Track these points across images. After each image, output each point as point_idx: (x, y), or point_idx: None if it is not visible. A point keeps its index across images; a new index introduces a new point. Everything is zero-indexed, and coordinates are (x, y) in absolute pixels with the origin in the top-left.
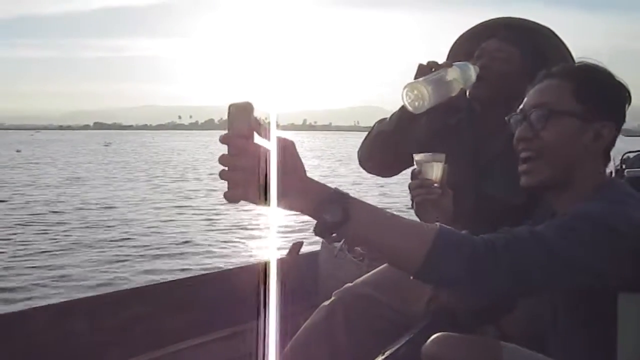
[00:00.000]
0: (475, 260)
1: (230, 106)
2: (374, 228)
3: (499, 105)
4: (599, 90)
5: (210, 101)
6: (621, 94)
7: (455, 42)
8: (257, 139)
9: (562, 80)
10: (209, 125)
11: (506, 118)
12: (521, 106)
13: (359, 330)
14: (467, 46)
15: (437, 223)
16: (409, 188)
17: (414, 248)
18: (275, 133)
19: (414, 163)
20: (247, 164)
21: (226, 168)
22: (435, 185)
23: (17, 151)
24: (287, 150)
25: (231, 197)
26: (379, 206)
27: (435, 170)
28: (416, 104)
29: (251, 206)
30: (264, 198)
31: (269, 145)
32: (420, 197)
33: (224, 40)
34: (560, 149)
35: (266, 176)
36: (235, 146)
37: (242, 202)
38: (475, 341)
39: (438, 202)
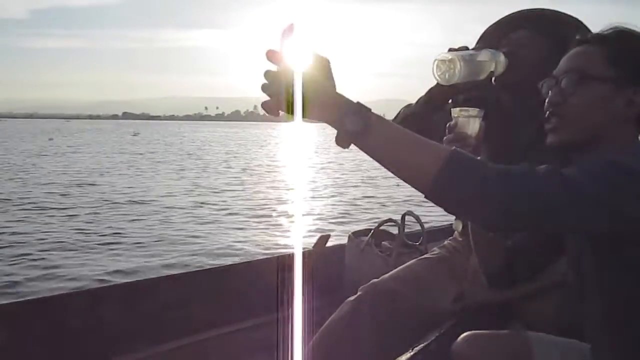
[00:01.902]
0: (488, 180)
1: (282, 29)
2: (390, 141)
3: (528, 94)
4: (632, 55)
5: (236, 93)
6: None
7: (483, 34)
8: (295, 57)
9: (595, 45)
10: (235, 116)
11: (539, 83)
12: (554, 71)
13: (385, 325)
14: (495, 37)
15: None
16: (444, 142)
17: (427, 164)
18: (310, 49)
19: (451, 116)
20: (286, 77)
21: (267, 81)
22: (471, 139)
23: (50, 139)
24: (322, 66)
25: (269, 108)
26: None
27: (472, 125)
28: (446, 75)
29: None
30: (294, 109)
31: (304, 60)
32: None
33: (252, 32)
34: (589, 113)
35: (302, 89)
36: (279, 62)
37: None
38: (504, 338)
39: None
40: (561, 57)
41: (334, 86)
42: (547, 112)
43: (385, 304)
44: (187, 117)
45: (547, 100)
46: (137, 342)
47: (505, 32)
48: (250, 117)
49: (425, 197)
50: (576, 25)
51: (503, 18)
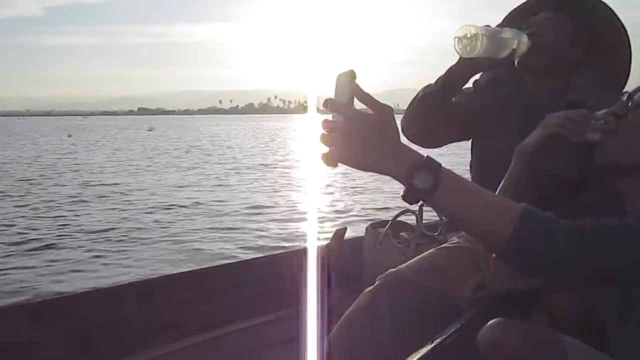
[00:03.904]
0: (562, 240)
1: (338, 75)
2: (460, 199)
3: (551, 75)
4: None
5: (250, 85)
6: None
7: (506, 17)
8: (357, 105)
9: None
10: (248, 109)
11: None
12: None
13: (402, 314)
14: (518, 20)
15: (523, 203)
16: None
17: (499, 224)
18: (376, 101)
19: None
20: (347, 127)
21: (326, 132)
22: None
23: (69, 136)
24: (385, 115)
25: (329, 160)
26: None
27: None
28: (467, 48)
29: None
30: (360, 161)
31: (369, 110)
32: None
33: (264, 25)
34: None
35: (364, 140)
36: (338, 110)
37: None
38: (535, 331)
39: None
40: (583, 36)
41: (398, 137)
42: None
43: (403, 292)
44: (202, 111)
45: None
46: (155, 339)
47: (527, 15)
48: (264, 109)
49: (496, 256)
50: (598, 4)
51: (525, 2)
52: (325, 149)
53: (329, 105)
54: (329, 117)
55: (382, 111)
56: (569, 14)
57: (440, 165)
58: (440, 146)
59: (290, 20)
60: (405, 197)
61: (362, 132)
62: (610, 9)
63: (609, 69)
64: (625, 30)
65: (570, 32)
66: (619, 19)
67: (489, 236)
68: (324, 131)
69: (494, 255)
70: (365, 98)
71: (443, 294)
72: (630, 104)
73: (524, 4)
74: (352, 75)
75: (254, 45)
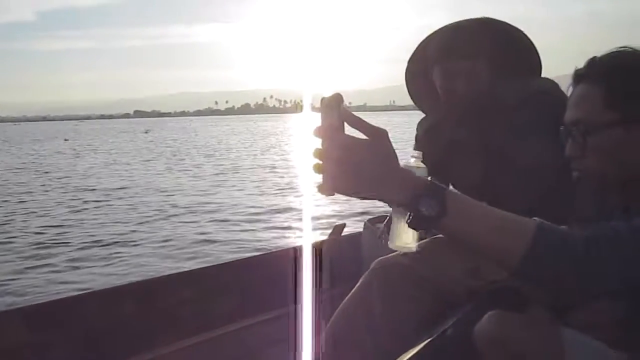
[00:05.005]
0: (580, 260)
1: (322, 99)
2: (470, 223)
3: (478, 118)
4: (633, 89)
5: (246, 86)
6: None
7: (411, 58)
8: (348, 130)
9: (592, 86)
10: (245, 109)
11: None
12: (565, 118)
13: (395, 297)
14: (425, 65)
15: (535, 218)
16: None
17: (513, 244)
18: (368, 124)
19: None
20: (339, 155)
21: (319, 161)
22: None
23: (65, 140)
24: (380, 139)
25: (326, 190)
26: None
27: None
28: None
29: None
30: (357, 190)
31: (361, 135)
32: None
33: (259, 25)
34: (611, 161)
35: (359, 167)
36: (328, 138)
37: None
38: (534, 323)
39: None
40: (497, 70)
41: (397, 161)
42: (572, 167)
43: (394, 276)
44: (198, 113)
45: (566, 152)
46: (155, 340)
47: (436, 60)
48: (260, 109)
49: (511, 275)
50: (505, 30)
51: (430, 42)
52: (320, 178)
53: (317, 132)
54: (319, 144)
55: (377, 135)
56: (478, 55)
57: (445, 189)
58: None
59: (285, 19)
60: (411, 225)
61: (356, 160)
62: (518, 30)
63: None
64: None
65: (482, 72)
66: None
67: (503, 256)
68: (316, 160)
69: (509, 275)
70: (356, 122)
71: (436, 280)
72: None
73: (429, 46)
74: (338, 98)
75: (250, 45)
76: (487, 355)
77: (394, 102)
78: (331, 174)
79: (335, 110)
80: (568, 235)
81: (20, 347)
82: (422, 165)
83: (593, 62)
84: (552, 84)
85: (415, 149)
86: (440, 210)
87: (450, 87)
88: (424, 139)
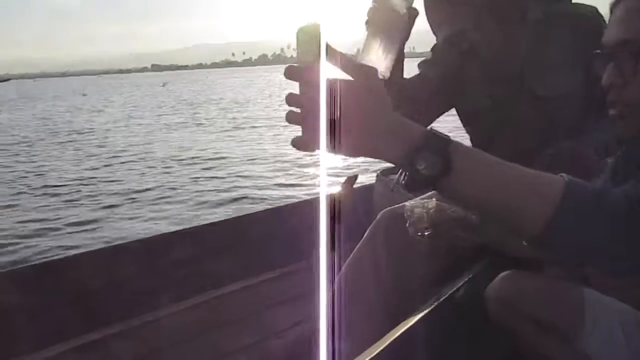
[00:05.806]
0: (620, 220)
1: (297, 32)
2: (482, 182)
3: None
4: None
5: (262, 36)
6: None
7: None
8: (332, 70)
9: None
10: (262, 60)
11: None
12: (603, 40)
13: (399, 248)
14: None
15: (563, 175)
16: None
17: (536, 206)
18: (353, 62)
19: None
20: (317, 102)
21: (295, 109)
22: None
23: (83, 95)
24: (369, 80)
25: (302, 145)
26: None
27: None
28: None
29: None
30: (342, 145)
31: (347, 76)
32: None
33: None
34: None
35: (343, 116)
36: (305, 79)
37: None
38: (550, 284)
39: None
40: None
41: (390, 107)
42: (610, 100)
43: (398, 227)
44: (215, 65)
45: (603, 81)
46: (156, 300)
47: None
48: (278, 60)
49: (531, 244)
50: None
51: None
52: (298, 130)
53: (290, 73)
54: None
55: (366, 75)
56: None
57: (449, 140)
58: (430, 123)
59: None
60: (408, 187)
61: (339, 107)
62: None
63: None
64: None
65: None
66: None
67: (522, 222)
68: (291, 108)
69: (528, 245)
70: (339, 59)
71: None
72: None
73: None
74: (316, 29)
75: None
76: (500, 319)
77: (413, 48)
78: (310, 124)
79: (314, 44)
80: (602, 192)
81: (17, 309)
82: None
83: None
84: (590, 8)
85: (431, 58)
86: (444, 168)
87: None
88: (442, 47)
